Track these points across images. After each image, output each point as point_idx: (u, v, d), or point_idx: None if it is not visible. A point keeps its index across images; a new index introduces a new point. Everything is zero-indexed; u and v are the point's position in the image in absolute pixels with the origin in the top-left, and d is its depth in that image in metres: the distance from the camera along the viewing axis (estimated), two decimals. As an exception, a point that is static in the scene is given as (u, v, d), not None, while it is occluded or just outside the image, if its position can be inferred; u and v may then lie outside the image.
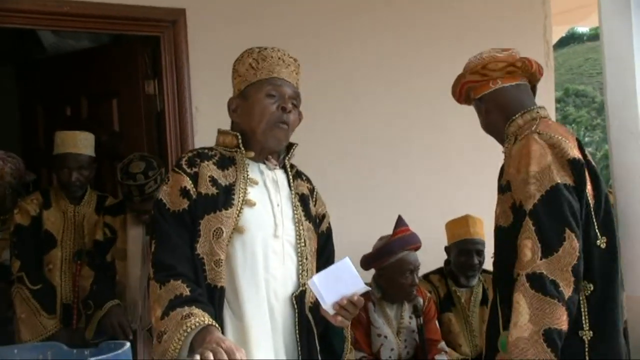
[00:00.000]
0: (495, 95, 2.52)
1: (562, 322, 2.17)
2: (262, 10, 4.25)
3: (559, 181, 2.25)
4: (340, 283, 2.12)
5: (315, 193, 2.44)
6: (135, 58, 4.30)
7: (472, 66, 2.55)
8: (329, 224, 2.47)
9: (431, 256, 3.90)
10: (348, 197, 4.32)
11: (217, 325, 2.03)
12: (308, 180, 2.45)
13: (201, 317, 2.01)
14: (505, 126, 2.49)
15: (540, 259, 2.19)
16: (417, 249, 3.66)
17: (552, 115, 5.26)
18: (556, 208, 2.24)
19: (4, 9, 3.66)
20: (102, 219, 3.73)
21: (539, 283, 2.17)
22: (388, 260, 3.60)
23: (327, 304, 2.12)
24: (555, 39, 5.82)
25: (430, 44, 4.63)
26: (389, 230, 3.69)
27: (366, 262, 3.65)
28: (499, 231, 2.43)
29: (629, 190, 2.50)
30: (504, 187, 2.41)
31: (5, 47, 5.24)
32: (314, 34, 4.39)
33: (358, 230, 3.95)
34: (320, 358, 2.29)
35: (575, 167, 2.30)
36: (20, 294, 3.65)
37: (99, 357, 1.70)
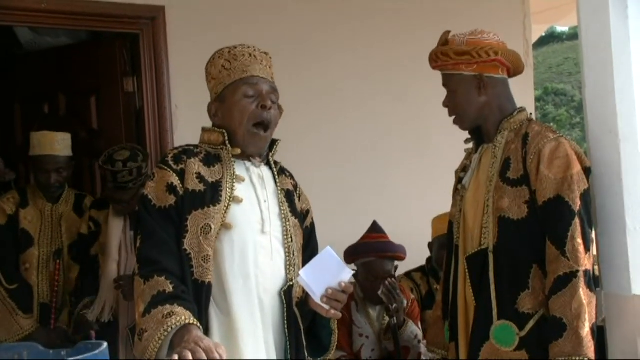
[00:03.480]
0: (499, 83, 2.56)
1: None
2: (243, 7, 4.24)
3: (587, 185, 2.42)
4: (327, 273, 2.13)
5: (298, 189, 2.44)
6: (114, 55, 4.27)
7: (495, 45, 2.53)
8: (313, 219, 2.47)
9: (414, 254, 3.91)
10: (332, 198, 4.35)
11: (197, 324, 2.02)
12: (291, 177, 2.45)
13: (181, 315, 1.99)
14: (499, 118, 2.54)
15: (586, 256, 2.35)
16: (393, 258, 3.64)
17: (532, 114, 5.31)
18: (588, 209, 2.42)
19: (-20, 6, 3.63)
20: (89, 212, 3.73)
21: (589, 279, 2.33)
22: (357, 261, 3.62)
23: (318, 296, 2.12)
24: (534, 37, 5.85)
25: (410, 44, 4.64)
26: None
27: (345, 255, 3.68)
28: (505, 222, 2.44)
29: (607, 188, 2.52)
30: (515, 180, 2.44)
31: (-19, 44, 5.18)
32: (298, 31, 4.40)
33: (342, 231, 3.95)
34: (306, 353, 2.29)
35: (588, 175, 2.46)
36: (-4, 294, 3.62)
37: (76, 358, 1.68)
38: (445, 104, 2.60)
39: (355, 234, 3.76)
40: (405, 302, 3.61)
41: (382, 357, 3.63)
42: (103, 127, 4.42)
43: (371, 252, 3.60)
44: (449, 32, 2.59)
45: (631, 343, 2.46)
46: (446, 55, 2.54)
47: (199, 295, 2.12)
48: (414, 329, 3.57)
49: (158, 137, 4.05)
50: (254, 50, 2.32)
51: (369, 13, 4.61)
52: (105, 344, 1.76)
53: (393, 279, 3.59)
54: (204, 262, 2.14)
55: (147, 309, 2.03)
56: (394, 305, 3.46)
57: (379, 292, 3.47)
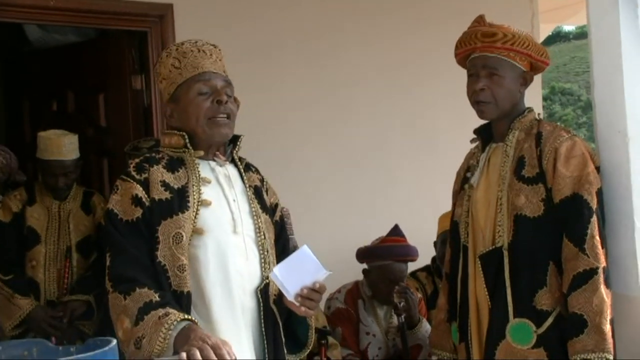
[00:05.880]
0: (532, 80, 2.61)
1: None
2: (251, 5, 4.25)
3: (600, 184, 2.44)
4: (302, 272, 2.11)
5: (265, 183, 2.39)
6: (122, 53, 4.29)
7: (542, 48, 2.58)
8: (282, 212, 2.43)
9: (420, 254, 3.91)
10: (339, 197, 4.37)
11: (196, 322, 2.00)
12: (257, 172, 2.39)
13: (179, 314, 1.97)
14: (513, 117, 2.54)
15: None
16: (410, 261, 3.65)
17: (540, 113, 5.31)
18: (602, 208, 2.45)
19: (-10, 3, 3.64)
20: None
21: (606, 277, 2.36)
22: (372, 263, 3.62)
23: (291, 294, 2.11)
24: (542, 37, 5.83)
25: (416, 42, 4.64)
26: (377, 231, 3.71)
27: (358, 256, 3.67)
28: (521, 220, 2.44)
29: (615, 187, 2.51)
30: (531, 178, 2.45)
31: (-10, 41, 5.20)
32: (306, 30, 4.41)
33: (349, 229, 3.95)
34: (285, 350, 2.27)
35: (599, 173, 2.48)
36: (-6, 286, 3.59)
37: (85, 354, 1.68)
38: (481, 87, 2.51)
39: (362, 233, 3.76)
40: (417, 301, 3.63)
41: (389, 356, 3.63)
42: (111, 125, 4.43)
43: (391, 256, 3.60)
44: (483, 15, 2.60)
45: (638, 343, 2.45)
46: (505, 41, 2.50)
47: (179, 305, 2.06)
48: (429, 327, 3.57)
49: (166, 134, 4.06)
50: (203, 44, 2.26)
51: (375, 12, 4.61)
52: (114, 341, 1.76)
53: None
54: (180, 272, 2.08)
55: (139, 318, 1.97)
56: (402, 304, 3.46)
57: (395, 299, 3.47)
